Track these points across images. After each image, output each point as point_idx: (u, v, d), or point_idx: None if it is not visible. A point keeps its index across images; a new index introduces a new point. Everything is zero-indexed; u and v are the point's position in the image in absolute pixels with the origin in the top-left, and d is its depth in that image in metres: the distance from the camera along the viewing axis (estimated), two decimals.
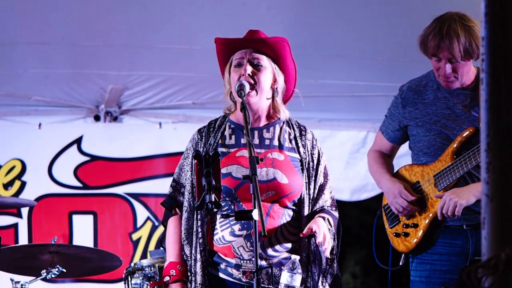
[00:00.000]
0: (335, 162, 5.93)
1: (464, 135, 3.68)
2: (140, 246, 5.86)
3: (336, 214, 3.36)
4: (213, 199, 2.88)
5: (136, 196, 5.92)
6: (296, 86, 3.39)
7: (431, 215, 3.73)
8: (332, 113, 6.19)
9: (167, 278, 3.22)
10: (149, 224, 5.91)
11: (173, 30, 4.99)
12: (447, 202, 3.60)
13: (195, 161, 3.01)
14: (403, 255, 3.86)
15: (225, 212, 3.16)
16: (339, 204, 3.40)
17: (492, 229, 1.55)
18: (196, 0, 4.77)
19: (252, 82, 3.22)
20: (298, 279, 3.04)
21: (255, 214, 2.84)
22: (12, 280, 4.26)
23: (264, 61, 3.27)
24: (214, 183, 2.91)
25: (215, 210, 2.95)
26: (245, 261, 3.16)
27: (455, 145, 3.70)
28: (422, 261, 3.79)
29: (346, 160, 6.16)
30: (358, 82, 5.70)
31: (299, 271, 3.05)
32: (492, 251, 1.52)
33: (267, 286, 3.14)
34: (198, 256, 3.18)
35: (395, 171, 3.98)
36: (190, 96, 5.88)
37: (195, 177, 3.07)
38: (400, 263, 3.86)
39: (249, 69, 3.24)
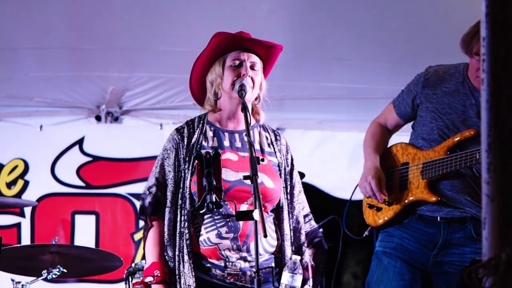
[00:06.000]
0: (336, 162, 5.93)
1: (465, 135, 3.68)
2: (142, 246, 5.85)
3: (314, 224, 3.39)
4: (213, 199, 2.88)
5: (138, 196, 5.92)
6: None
7: (408, 200, 3.74)
8: (333, 114, 6.18)
9: (150, 279, 3.15)
10: None
11: (173, 33, 5.00)
12: None
13: (196, 161, 3.01)
14: (369, 227, 3.88)
15: (224, 213, 3.14)
16: (341, 204, 3.41)
17: (493, 229, 1.55)
18: (197, 3, 4.77)
19: (252, 84, 3.22)
20: (298, 279, 3.05)
21: (256, 215, 2.84)
22: (13, 280, 4.26)
23: (259, 65, 3.27)
24: (214, 183, 2.91)
25: (215, 210, 2.94)
26: (230, 263, 3.13)
27: (452, 142, 3.69)
28: (392, 235, 3.79)
29: (347, 161, 6.16)
30: (359, 85, 5.69)
31: (300, 271, 3.05)
32: (492, 251, 1.52)
33: (250, 286, 3.11)
34: (186, 258, 3.12)
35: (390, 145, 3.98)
36: (190, 96, 5.85)
37: (195, 177, 3.07)
38: (364, 235, 3.89)
39: (250, 71, 3.23)
